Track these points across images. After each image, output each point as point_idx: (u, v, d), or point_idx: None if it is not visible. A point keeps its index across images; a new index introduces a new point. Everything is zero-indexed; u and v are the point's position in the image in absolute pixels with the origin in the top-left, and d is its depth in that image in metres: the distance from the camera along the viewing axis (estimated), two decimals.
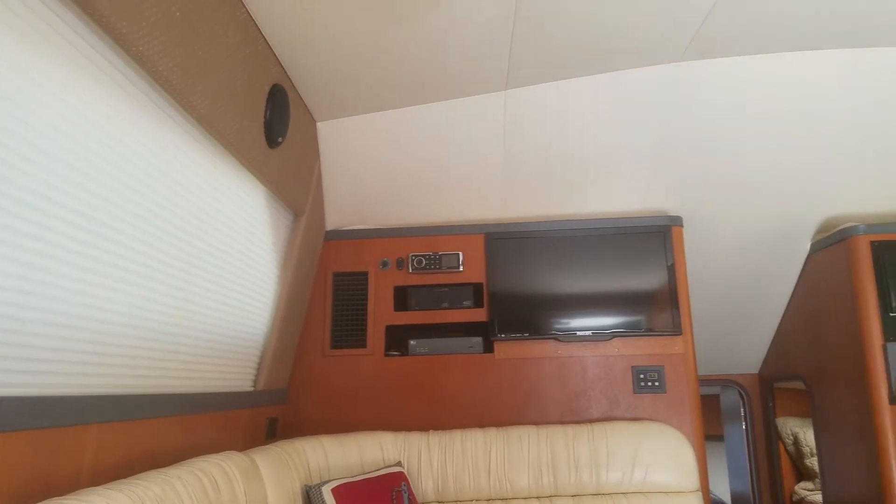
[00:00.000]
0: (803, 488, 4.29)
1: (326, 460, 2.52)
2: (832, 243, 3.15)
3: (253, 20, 1.94)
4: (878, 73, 2.56)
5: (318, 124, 2.70)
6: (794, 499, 4.28)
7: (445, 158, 2.90)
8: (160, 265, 1.77)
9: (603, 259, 3.04)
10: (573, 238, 3.07)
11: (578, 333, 2.99)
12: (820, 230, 3.28)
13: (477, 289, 3.08)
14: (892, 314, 2.89)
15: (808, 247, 3.36)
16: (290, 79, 2.30)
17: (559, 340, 3.01)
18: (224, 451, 1.88)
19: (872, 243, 2.96)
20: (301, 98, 2.46)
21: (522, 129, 2.78)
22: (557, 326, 3.00)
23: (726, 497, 5.02)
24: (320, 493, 2.24)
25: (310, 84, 2.38)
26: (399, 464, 2.64)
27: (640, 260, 3.03)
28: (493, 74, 2.47)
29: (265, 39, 2.03)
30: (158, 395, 1.81)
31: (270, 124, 2.13)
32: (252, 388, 2.57)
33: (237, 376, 2.47)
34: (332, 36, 2.08)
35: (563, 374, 2.99)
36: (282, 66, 2.21)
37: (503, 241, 3.09)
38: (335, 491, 2.27)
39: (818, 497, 3.89)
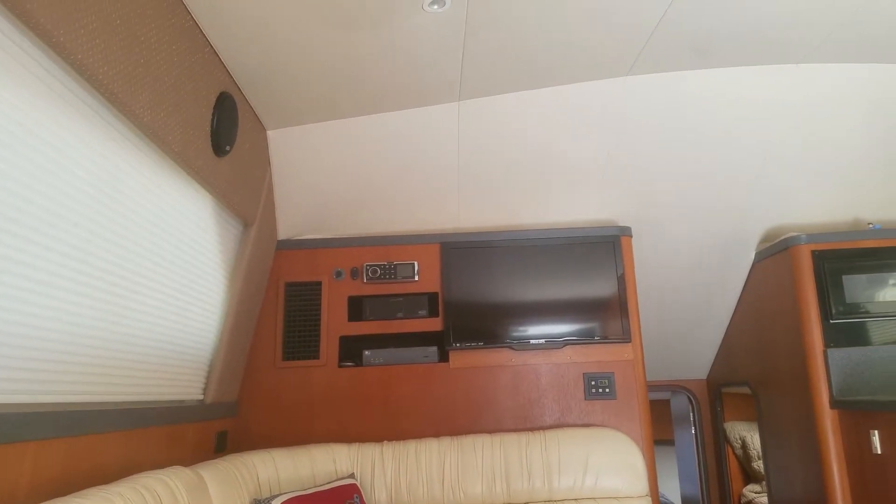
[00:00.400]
0: (751, 490, 4.40)
1: (277, 474, 2.48)
2: (775, 252, 3.25)
3: (199, 28, 1.91)
4: (817, 88, 2.66)
5: (269, 133, 2.67)
6: (742, 501, 4.39)
7: (400, 168, 2.90)
8: (100, 273, 1.72)
9: (556, 268, 3.08)
10: (527, 247, 3.10)
11: (532, 342, 3.02)
12: (764, 240, 3.39)
13: (432, 298, 3.09)
14: (832, 321, 2.99)
15: (752, 256, 3.47)
16: (238, 87, 2.28)
17: (513, 349, 3.03)
18: (170, 466, 1.84)
19: (813, 252, 3.07)
20: (250, 106, 2.44)
21: (476, 139, 2.80)
22: (512, 335, 3.02)
23: (677, 500, 5.11)
24: None
25: (259, 92, 2.35)
26: (352, 476, 2.62)
27: (592, 269, 3.08)
28: (446, 85, 2.49)
29: (212, 47, 2.01)
30: (101, 410, 1.75)
31: (217, 133, 2.10)
32: (201, 402, 2.52)
33: (185, 389, 2.41)
34: (282, 45, 2.07)
35: (517, 382, 3.01)
36: (230, 75, 2.18)
37: (458, 250, 3.10)
38: None
39: (765, 499, 3.99)
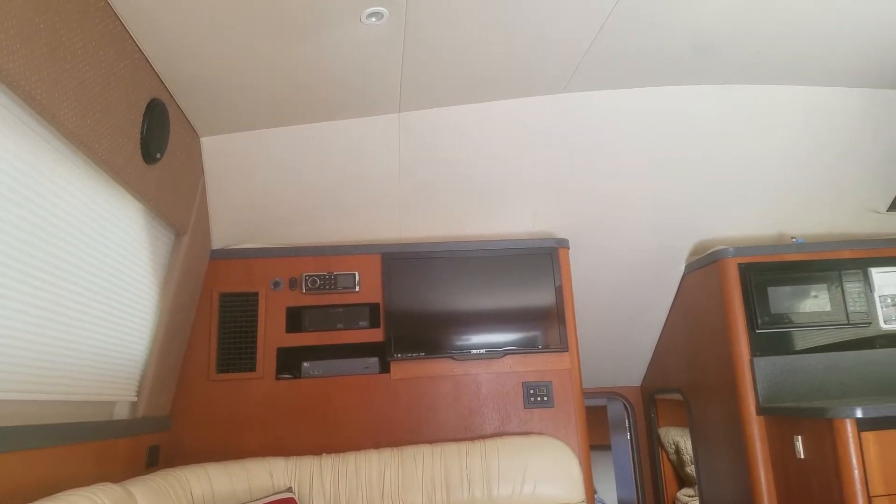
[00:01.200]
0: (685, 494, 4.53)
1: (211, 489, 2.42)
2: (704, 265, 3.38)
3: (129, 33, 1.86)
4: (744, 108, 2.78)
5: (203, 140, 2.61)
6: None
7: (340, 178, 2.89)
8: (23, 284, 1.65)
9: (496, 279, 3.12)
10: (468, 259, 3.13)
11: (473, 352, 3.04)
12: (693, 253, 3.52)
13: (373, 309, 3.07)
14: (758, 331, 3.12)
15: (682, 268, 3.59)
16: (170, 93, 2.22)
17: (454, 359, 3.05)
18: (98, 483, 1.77)
19: (740, 265, 3.20)
20: (183, 113, 2.38)
21: (418, 151, 2.82)
22: (453, 345, 3.04)
23: None
24: None
25: (192, 99, 2.30)
26: (289, 489, 2.57)
27: (531, 280, 3.13)
28: (386, 97, 2.49)
29: (142, 53, 1.95)
30: (21, 426, 1.68)
31: (147, 140, 2.04)
32: (131, 416, 2.44)
33: (113, 404, 2.33)
34: (216, 53, 2.03)
35: (458, 392, 3.02)
36: (161, 81, 2.13)
37: (400, 261, 3.10)
38: None
39: (697, 502, 4.12)
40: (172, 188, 2.38)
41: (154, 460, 2.63)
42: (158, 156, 2.16)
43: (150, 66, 2.03)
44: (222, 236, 3.01)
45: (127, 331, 2.30)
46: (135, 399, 2.45)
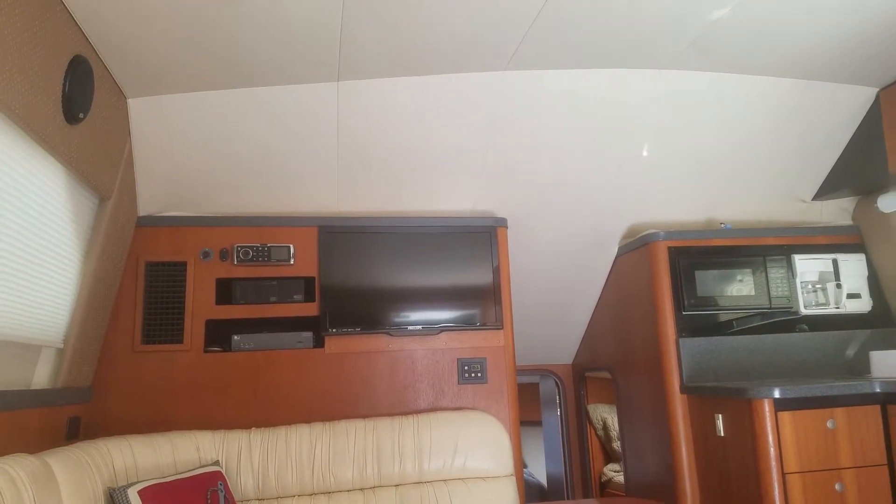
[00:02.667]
0: (611, 469, 4.70)
1: (134, 461, 2.35)
2: (635, 248, 3.47)
3: None
4: (678, 94, 2.85)
5: (130, 101, 2.49)
6: (602, 479, 4.68)
7: (276, 146, 2.81)
8: None
9: (434, 256, 3.12)
10: (407, 235, 3.11)
11: (409, 328, 3.05)
12: (626, 235, 3.60)
13: (308, 283, 3.02)
14: (684, 312, 3.23)
15: (615, 250, 3.68)
16: (95, 51, 2.10)
17: (391, 335, 3.04)
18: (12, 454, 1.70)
19: (669, 249, 3.29)
20: (109, 72, 2.26)
21: (357, 122, 2.77)
22: (390, 321, 3.03)
23: (543, 478, 5.37)
24: (125, 495, 2.09)
25: (119, 58, 2.19)
26: (216, 463, 2.53)
27: (469, 258, 3.15)
28: (324, 64, 2.43)
29: (65, 7, 1.84)
30: None
31: (70, 99, 1.93)
32: (50, 386, 2.34)
33: (31, 373, 2.23)
34: (146, 10, 1.93)
35: (393, 367, 3.03)
36: (86, 37, 2.01)
37: (337, 234, 3.06)
38: (143, 493, 2.13)
39: (623, 477, 4.28)
40: (96, 151, 2.26)
41: (74, 432, 2.54)
42: (81, 115, 2.04)
43: (74, 21, 1.91)
44: (150, 203, 2.89)
45: (47, 299, 2.19)
46: (50, 379, 2.35)
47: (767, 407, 2.63)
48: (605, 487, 4.60)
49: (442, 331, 3.08)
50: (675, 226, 3.54)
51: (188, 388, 2.84)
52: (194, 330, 2.87)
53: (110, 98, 2.31)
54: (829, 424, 2.65)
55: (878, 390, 2.69)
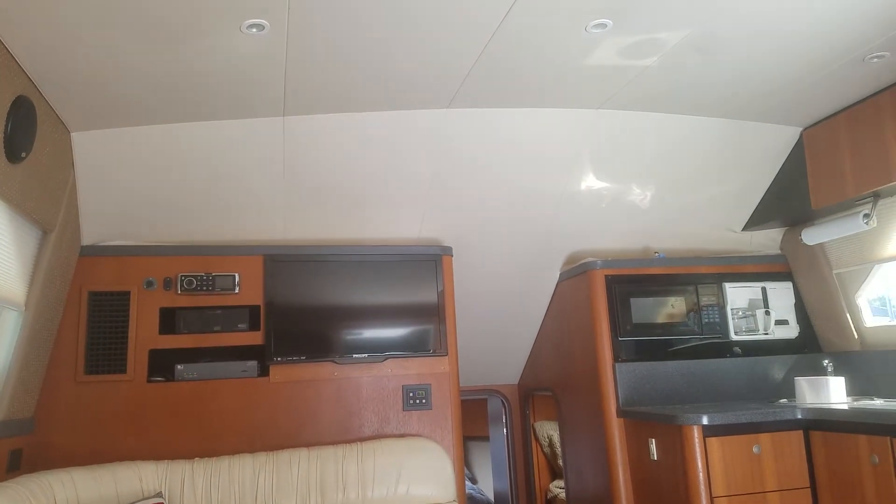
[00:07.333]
0: (556, 486, 4.79)
1: (76, 495, 2.35)
2: (575, 275, 3.59)
3: None
4: (612, 132, 2.98)
5: (73, 135, 2.49)
6: (548, 496, 4.77)
7: (220, 177, 2.84)
8: None
9: (380, 284, 3.18)
10: (352, 263, 3.16)
11: (355, 356, 3.10)
12: (567, 262, 3.72)
13: (254, 311, 3.04)
14: (621, 338, 3.36)
15: (557, 276, 3.79)
16: (38, 90, 2.11)
17: (336, 363, 3.08)
18: None
19: (606, 276, 3.42)
20: (52, 109, 2.26)
21: (303, 155, 2.82)
22: (335, 349, 3.08)
23: (490, 495, 5.44)
24: None
25: (63, 94, 2.20)
26: (159, 494, 2.54)
27: (414, 286, 3.22)
28: (269, 101, 2.48)
29: (7, 50, 1.85)
30: None
31: (12, 139, 1.94)
32: None
33: None
34: (89, 51, 1.95)
35: (339, 395, 3.07)
36: (28, 78, 2.02)
37: (283, 263, 3.09)
38: None
39: None
40: (39, 186, 2.26)
41: (16, 465, 2.51)
42: (24, 154, 2.05)
43: (17, 63, 1.92)
44: (94, 233, 2.88)
45: None
46: None
47: (696, 433, 2.75)
48: None
49: (387, 358, 3.14)
50: (612, 253, 3.66)
51: (132, 418, 2.83)
52: (137, 360, 2.86)
53: (53, 134, 2.32)
54: (754, 449, 2.78)
55: (800, 416, 2.83)
